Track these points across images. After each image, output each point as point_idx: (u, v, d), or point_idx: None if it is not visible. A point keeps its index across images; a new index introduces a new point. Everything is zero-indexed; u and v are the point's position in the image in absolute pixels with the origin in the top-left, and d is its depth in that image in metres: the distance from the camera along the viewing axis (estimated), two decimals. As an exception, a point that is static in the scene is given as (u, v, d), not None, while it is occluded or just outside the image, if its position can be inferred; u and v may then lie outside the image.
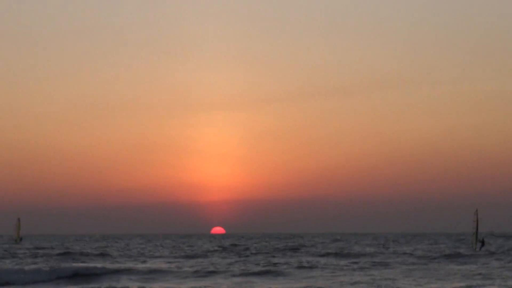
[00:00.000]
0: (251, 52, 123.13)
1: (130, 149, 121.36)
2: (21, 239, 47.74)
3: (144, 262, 26.66)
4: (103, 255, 32.25)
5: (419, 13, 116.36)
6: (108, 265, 23.52)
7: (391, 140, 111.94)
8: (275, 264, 24.65)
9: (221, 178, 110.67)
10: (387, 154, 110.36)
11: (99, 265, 22.62)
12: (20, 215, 46.88)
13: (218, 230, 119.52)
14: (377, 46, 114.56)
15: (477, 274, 20.16)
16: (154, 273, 21.42)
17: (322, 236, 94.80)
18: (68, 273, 19.33)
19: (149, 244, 50.81)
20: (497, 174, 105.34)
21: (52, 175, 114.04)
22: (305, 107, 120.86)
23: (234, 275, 20.73)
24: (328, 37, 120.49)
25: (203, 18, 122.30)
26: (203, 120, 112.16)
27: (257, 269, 22.79)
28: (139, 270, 21.85)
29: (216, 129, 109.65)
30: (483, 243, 35.24)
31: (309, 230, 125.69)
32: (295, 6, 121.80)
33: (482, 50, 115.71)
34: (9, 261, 26.69)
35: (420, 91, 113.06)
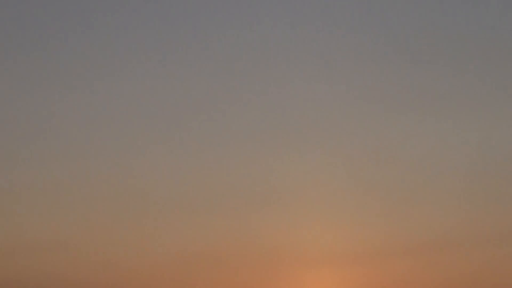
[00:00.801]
0: (356, 206, 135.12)
1: None
2: None
3: None
4: None
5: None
6: None
7: None
8: None
9: None
10: None
11: None
12: None
13: None
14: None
15: None
16: None
17: None
18: None
19: None
20: None
21: None
22: (416, 261, 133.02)
23: None
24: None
25: (308, 176, 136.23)
26: (308, 276, 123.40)
27: None
28: None
29: (322, 285, 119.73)
30: None
31: None
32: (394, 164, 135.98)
33: None
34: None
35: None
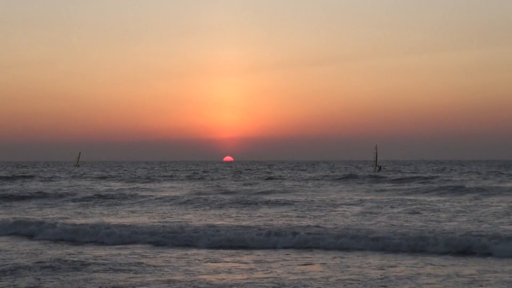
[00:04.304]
0: (252, 33, 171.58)
1: (167, 102, 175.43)
2: (79, 165, 71.27)
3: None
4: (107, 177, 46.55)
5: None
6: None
7: (347, 96, 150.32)
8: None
9: (229, 123, 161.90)
10: (335, 106, 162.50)
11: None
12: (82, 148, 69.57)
13: (228, 158, 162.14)
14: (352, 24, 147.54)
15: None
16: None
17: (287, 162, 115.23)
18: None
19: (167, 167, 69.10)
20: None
21: (110, 119, 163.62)
22: (289, 73, 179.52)
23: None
24: (305, 22, 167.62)
25: (216, 10, 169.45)
26: (217, 82, 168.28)
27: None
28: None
29: (225, 88, 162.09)
30: (380, 168, 50.38)
31: (289, 158, 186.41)
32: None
33: (438, 26, 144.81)
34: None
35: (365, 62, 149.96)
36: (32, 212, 16.21)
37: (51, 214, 15.70)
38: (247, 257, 9.09)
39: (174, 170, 57.51)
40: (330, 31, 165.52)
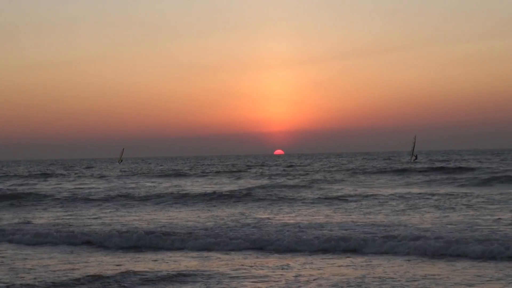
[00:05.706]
0: (301, 26, 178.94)
1: (218, 96, 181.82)
2: (122, 161, 75.90)
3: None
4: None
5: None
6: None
7: (384, 88, 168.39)
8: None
9: (279, 116, 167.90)
10: (384, 97, 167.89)
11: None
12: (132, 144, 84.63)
13: (279, 151, 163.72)
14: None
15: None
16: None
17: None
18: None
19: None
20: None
21: (161, 115, 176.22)
22: (338, 65, 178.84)
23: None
24: (342, 18, 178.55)
25: (266, 3, 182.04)
26: (267, 76, 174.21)
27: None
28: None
29: (276, 81, 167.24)
30: (416, 157, 52.60)
31: (338, 150, 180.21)
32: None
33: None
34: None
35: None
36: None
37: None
38: None
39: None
40: (378, 23, 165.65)
